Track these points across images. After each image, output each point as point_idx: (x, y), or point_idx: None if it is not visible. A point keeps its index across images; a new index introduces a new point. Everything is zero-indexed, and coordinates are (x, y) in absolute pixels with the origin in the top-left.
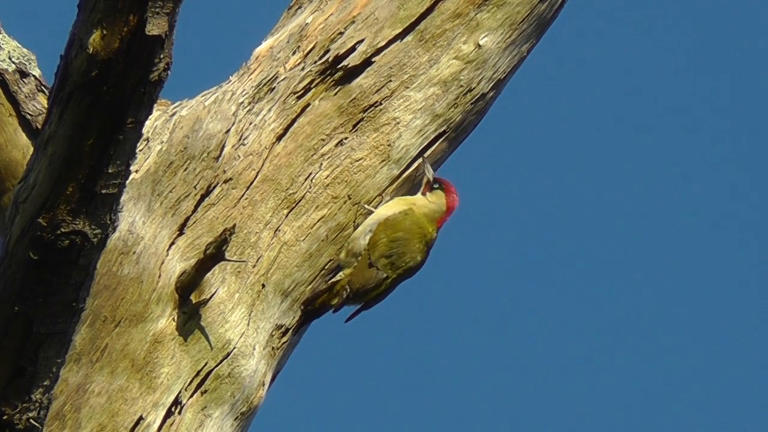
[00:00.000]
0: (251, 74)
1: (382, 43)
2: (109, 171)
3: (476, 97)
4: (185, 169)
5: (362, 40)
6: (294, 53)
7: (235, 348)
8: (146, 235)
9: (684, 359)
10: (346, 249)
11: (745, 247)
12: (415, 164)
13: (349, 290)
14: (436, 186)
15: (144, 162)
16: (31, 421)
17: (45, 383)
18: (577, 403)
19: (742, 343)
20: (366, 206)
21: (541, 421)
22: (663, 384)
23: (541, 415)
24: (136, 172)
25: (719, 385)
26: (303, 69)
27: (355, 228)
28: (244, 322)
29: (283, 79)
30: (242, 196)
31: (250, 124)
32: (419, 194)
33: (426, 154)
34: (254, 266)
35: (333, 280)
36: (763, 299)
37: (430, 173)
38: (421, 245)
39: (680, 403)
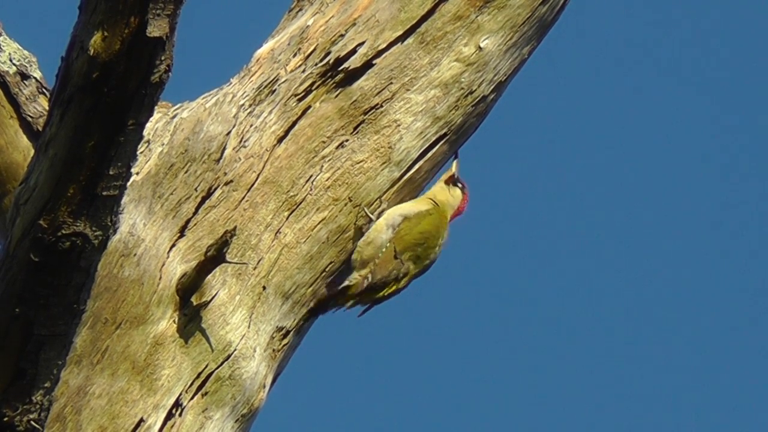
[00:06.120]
0: (252, 76)
1: (383, 46)
2: (110, 173)
3: (477, 100)
4: (186, 171)
5: (363, 43)
6: (295, 55)
7: (235, 350)
8: (147, 237)
9: (683, 359)
10: (360, 251)
11: (744, 247)
12: (416, 166)
13: (370, 279)
14: (459, 185)
15: (145, 164)
16: (32, 422)
17: (46, 385)
18: (577, 403)
19: (742, 343)
20: (366, 210)
21: (544, 422)
22: (663, 384)
23: (543, 415)
24: (137, 174)
25: (718, 385)
26: (304, 71)
27: (364, 229)
28: (245, 324)
29: (284, 82)
30: (243, 198)
31: (251, 126)
32: (439, 184)
33: (427, 157)
34: (255, 268)
35: (345, 284)
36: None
37: (456, 170)
38: (440, 243)
39: (680, 403)
